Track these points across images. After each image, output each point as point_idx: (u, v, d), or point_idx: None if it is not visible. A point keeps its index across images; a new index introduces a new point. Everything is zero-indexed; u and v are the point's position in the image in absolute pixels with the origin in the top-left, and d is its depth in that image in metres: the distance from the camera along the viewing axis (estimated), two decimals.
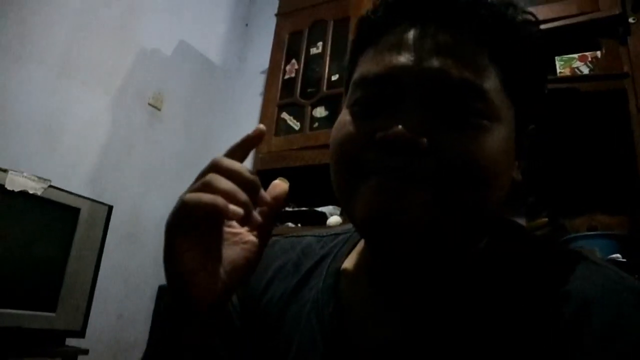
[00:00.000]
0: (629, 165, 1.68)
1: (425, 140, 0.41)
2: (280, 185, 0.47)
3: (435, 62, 0.43)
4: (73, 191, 1.78)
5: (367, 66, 0.47)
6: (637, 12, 1.75)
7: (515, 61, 0.45)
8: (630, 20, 1.74)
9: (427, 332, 0.45)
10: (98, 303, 2.10)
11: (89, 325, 1.74)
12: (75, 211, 1.71)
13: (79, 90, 2.24)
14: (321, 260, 0.58)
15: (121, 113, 2.44)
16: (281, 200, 0.46)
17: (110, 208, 1.84)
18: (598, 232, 1.69)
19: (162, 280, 2.52)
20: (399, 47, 0.45)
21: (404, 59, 0.44)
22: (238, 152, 0.46)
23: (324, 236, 0.62)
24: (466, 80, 0.42)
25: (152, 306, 2.45)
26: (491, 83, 0.43)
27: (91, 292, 1.70)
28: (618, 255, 1.52)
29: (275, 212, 0.46)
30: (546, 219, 1.80)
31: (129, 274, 2.36)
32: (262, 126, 0.46)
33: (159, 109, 2.65)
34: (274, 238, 0.62)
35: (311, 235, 0.63)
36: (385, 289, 0.51)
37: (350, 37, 2.32)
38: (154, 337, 0.52)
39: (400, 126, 0.41)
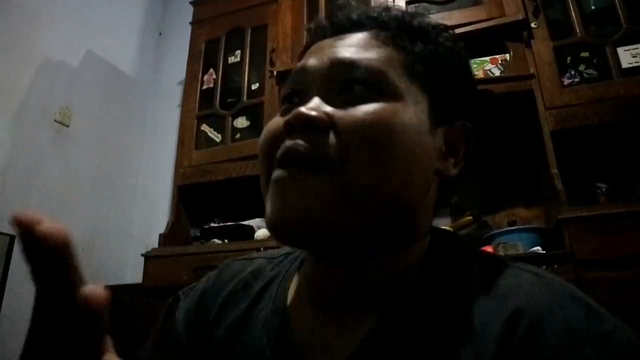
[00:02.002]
0: (540, 159, 1.78)
1: (325, 115, 0.44)
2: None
3: (332, 54, 0.49)
4: None
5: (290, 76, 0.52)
6: (538, 17, 1.85)
7: (419, 49, 0.50)
8: (533, 25, 1.85)
9: (372, 349, 0.44)
10: (6, 344, 1.90)
11: None
12: None
13: None
14: (271, 282, 0.56)
15: (23, 132, 2.23)
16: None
17: (12, 238, 1.66)
18: (519, 227, 1.77)
19: None
20: (310, 54, 0.51)
21: (311, 61, 0.50)
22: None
23: (274, 257, 0.61)
24: (355, 58, 0.47)
25: None
26: (386, 63, 0.47)
27: None
28: (538, 247, 1.59)
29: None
30: (470, 217, 1.85)
31: None
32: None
33: (67, 125, 2.45)
34: (225, 260, 0.62)
35: (263, 257, 0.62)
36: (329, 303, 0.49)
37: (270, 44, 2.32)
38: None
39: (301, 108, 0.45)
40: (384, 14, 0.52)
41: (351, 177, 0.42)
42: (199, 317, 0.56)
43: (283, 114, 0.49)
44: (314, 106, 0.45)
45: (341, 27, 0.52)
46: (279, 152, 0.45)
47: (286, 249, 0.62)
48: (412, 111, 0.46)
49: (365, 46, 0.49)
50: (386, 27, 0.51)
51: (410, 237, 0.49)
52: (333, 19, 0.54)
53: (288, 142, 0.44)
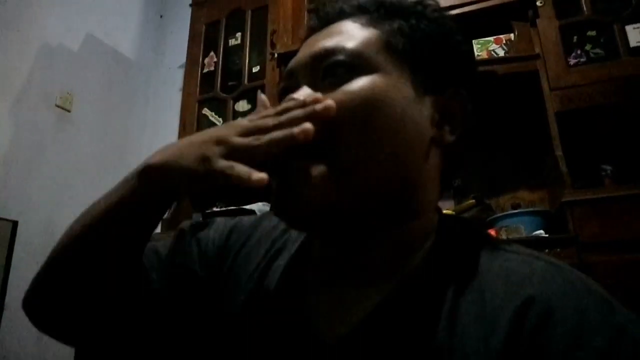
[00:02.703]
0: (544, 141, 1.75)
1: (303, 96, 0.46)
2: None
3: (316, 46, 0.51)
4: None
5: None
6: None
7: (397, 25, 0.51)
8: (538, 3, 1.80)
9: (376, 324, 0.45)
10: (12, 329, 1.93)
11: (5, 350, 1.57)
12: None
13: None
14: (287, 241, 0.59)
15: (25, 117, 2.22)
16: None
17: (15, 223, 1.67)
18: (522, 210, 1.75)
19: None
20: (299, 51, 0.54)
21: (300, 55, 0.53)
22: None
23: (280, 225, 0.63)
24: (333, 45, 0.49)
25: None
26: (364, 43, 0.49)
27: None
28: (541, 231, 1.58)
29: None
30: (473, 201, 1.83)
31: None
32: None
33: (69, 110, 2.44)
34: (264, 211, 0.65)
35: (269, 222, 0.64)
36: (333, 278, 0.51)
37: (270, 26, 2.28)
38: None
39: (291, 95, 0.48)
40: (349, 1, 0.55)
41: (343, 157, 0.44)
42: (227, 249, 0.60)
43: None
44: (302, 92, 0.48)
45: (327, 20, 0.54)
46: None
47: None
48: (393, 82, 0.48)
49: (344, 32, 0.51)
50: (366, 11, 0.53)
51: (415, 209, 0.49)
52: (319, 14, 0.56)
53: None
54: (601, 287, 0.42)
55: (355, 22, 0.52)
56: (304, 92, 0.48)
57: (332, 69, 0.49)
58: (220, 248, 0.60)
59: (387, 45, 0.50)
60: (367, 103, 0.46)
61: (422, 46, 0.51)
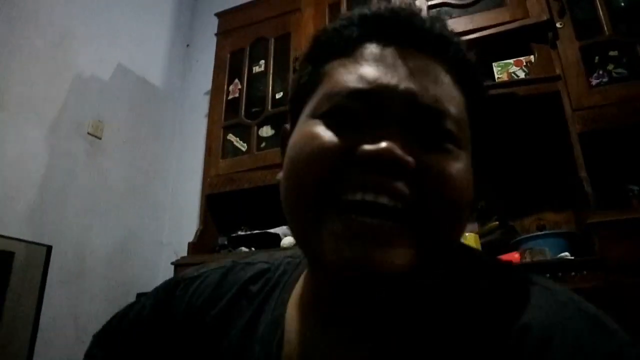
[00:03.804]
0: (568, 162, 1.74)
1: (412, 159, 0.40)
2: None
3: (418, 84, 0.42)
4: (7, 234, 1.66)
5: (343, 77, 0.44)
6: (564, 17, 1.81)
7: (475, 91, 0.47)
8: (558, 25, 1.81)
9: None
10: (45, 351, 1.98)
11: None
12: (8, 256, 1.59)
13: (10, 123, 2.11)
14: (272, 291, 0.56)
15: (58, 145, 2.32)
16: None
17: (49, 248, 1.74)
18: (546, 232, 1.73)
19: None
20: (380, 62, 0.44)
21: (387, 77, 0.42)
22: None
23: (276, 263, 0.60)
24: (445, 107, 0.42)
25: None
26: (460, 110, 0.44)
27: (32, 343, 1.58)
28: (567, 253, 1.56)
29: None
30: (497, 223, 1.82)
31: (77, 316, 2.23)
32: None
33: (100, 138, 2.54)
34: (230, 261, 0.62)
35: (264, 262, 0.61)
36: (332, 321, 0.48)
37: (293, 53, 2.34)
38: None
39: (389, 142, 0.39)
40: (452, 40, 0.47)
41: (433, 231, 0.41)
42: (199, 316, 0.57)
43: (339, 130, 0.42)
44: (402, 145, 0.40)
45: (406, 37, 0.45)
46: (358, 185, 0.40)
47: (287, 253, 0.61)
48: (469, 158, 0.45)
49: (442, 81, 0.44)
50: (451, 55, 0.46)
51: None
52: (396, 19, 0.46)
53: (372, 182, 0.40)
54: (596, 308, 0.41)
55: (447, 70, 0.45)
56: (403, 147, 0.40)
57: (436, 136, 0.42)
58: (190, 317, 0.58)
59: (470, 117, 0.46)
60: (462, 188, 0.42)
61: (482, 113, 0.48)
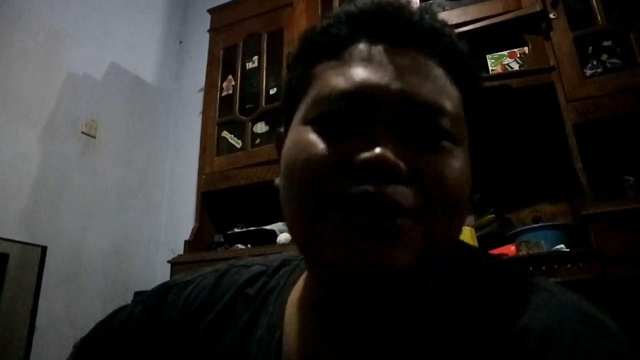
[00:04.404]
0: (564, 153, 1.73)
1: (404, 166, 0.39)
2: None
3: (409, 82, 0.41)
4: (1, 235, 1.65)
5: (331, 80, 0.43)
6: (557, 8, 1.80)
7: (469, 88, 0.45)
8: (551, 16, 1.80)
9: None
10: (42, 352, 1.97)
11: None
12: (3, 257, 1.58)
13: (3, 123, 2.09)
14: (269, 295, 0.55)
15: (52, 145, 2.31)
16: None
17: (44, 249, 1.73)
18: (542, 224, 1.73)
19: None
20: (369, 63, 0.42)
21: (377, 76, 0.41)
22: None
23: (272, 265, 0.58)
24: (439, 104, 0.41)
25: None
26: (455, 106, 0.43)
27: (28, 344, 1.58)
28: (562, 245, 1.55)
29: None
30: (493, 215, 1.82)
31: (73, 316, 2.22)
32: None
33: (94, 137, 2.52)
34: (224, 265, 0.60)
35: (260, 264, 0.59)
36: (332, 323, 0.47)
37: (286, 49, 2.32)
38: None
39: (382, 149, 0.38)
40: (444, 34, 0.45)
41: (434, 228, 0.40)
42: (194, 321, 0.55)
43: (330, 136, 0.41)
44: (394, 150, 0.39)
45: (395, 32, 0.43)
46: (354, 192, 0.39)
47: (284, 255, 0.60)
48: (467, 155, 0.44)
49: (434, 77, 0.42)
50: (442, 47, 0.44)
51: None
52: (384, 15, 0.44)
53: (368, 188, 0.38)
54: (595, 308, 0.41)
55: (440, 64, 0.43)
56: (395, 150, 0.39)
57: (432, 135, 0.41)
58: (184, 324, 0.56)
59: (466, 112, 0.45)
60: (461, 185, 0.41)
61: (478, 109, 0.47)
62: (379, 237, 0.38)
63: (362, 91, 0.41)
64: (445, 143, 0.41)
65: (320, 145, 0.41)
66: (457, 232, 0.44)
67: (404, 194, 0.38)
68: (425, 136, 0.41)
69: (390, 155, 0.38)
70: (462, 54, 0.46)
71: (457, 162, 0.41)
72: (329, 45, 0.45)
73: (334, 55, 0.44)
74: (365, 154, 0.38)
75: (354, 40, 0.44)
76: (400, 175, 0.38)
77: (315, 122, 0.42)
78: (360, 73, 0.42)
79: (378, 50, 0.43)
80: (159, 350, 0.56)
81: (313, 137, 0.42)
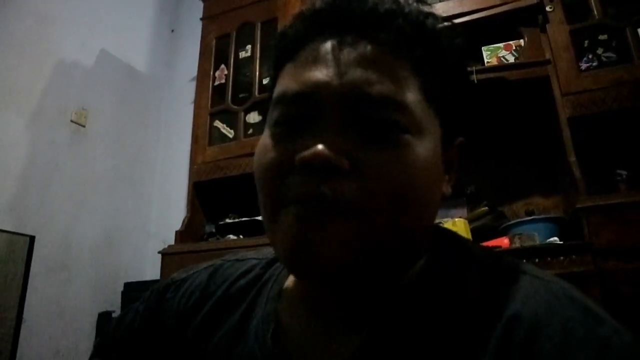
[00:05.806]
0: (558, 147, 1.74)
1: (346, 160, 0.39)
2: None
3: (353, 76, 0.41)
4: None
5: (285, 83, 0.44)
6: (554, 1, 1.80)
7: (436, 71, 0.44)
8: (548, 8, 1.79)
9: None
10: (30, 343, 1.95)
11: None
12: None
13: None
14: (263, 286, 0.56)
15: (41, 133, 2.27)
16: None
17: (32, 238, 1.70)
18: (535, 217, 1.73)
19: (101, 308, 2.39)
20: (317, 61, 0.43)
21: (322, 74, 0.42)
22: None
23: (266, 258, 0.60)
24: (385, 94, 0.41)
25: (92, 336, 2.29)
26: (412, 95, 0.42)
27: (15, 336, 1.56)
28: (556, 238, 1.56)
29: None
30: (486, 208, 1.82)
31: (62, 306, 2.19)
32: None
33: (84, 126, 2.49)
34: (218, 261, 0.62)
35: (254, 258, 0.61)
36: (322, 313, 0.49)
37: None
38: None
39: (320, 146, 0.39)
40: (399, 20, 0.44)
41: (375, 223, 0.40)
42: (191, 316, 0.57)
43: (284, 139, 0.43)
44: (334, 146, 0.39)
45: (345, 25, 0.43)
46: (295, 191, 0.40)
47: None
48: (431, 145, 0.43)
49: (383, 66, 0.42)
50: (396, 32, 0.43)
51: (414, 256, 0.47)
52: (333, 10, 0.45)
53: (306, 186, 0.40)
54: (586, 296, 0.41)
55: (389, 50, 0.42)
56: (334, 144, 0.40)
57: (372, 123, 0.41)
58: (182, 319, 0.57)
59: (426, 94, 0.43)
60: (410, 176, 0.41)
61: (452, 97, 0.46)
62: (316, 223, 0.39)
63: (307, 91, 0.42)
64: (397, 134, 0.41)
65: (273, 149, 0.43)
66: (415, 226, 0.43)
67: (343, 189, 0.39)
68: (373, 129, 0.41)
69: (326, 151, 0.39)
70: (426, 35, 0.44)
71: (412, 154, 0.41)
72: (288, 47, 0.47)
73: (290, 57, 0.46)
74: (304, 152, 0.39)
75: (308, 41, 0.45)
76: (342, 169, 0.39)
77: (274, 125, 0.44)
78: (307, 74, 0.43)
79: (326, 46, 0.43)
80: (162, 346, 0.58)
81: (269, 141, 0.44)
